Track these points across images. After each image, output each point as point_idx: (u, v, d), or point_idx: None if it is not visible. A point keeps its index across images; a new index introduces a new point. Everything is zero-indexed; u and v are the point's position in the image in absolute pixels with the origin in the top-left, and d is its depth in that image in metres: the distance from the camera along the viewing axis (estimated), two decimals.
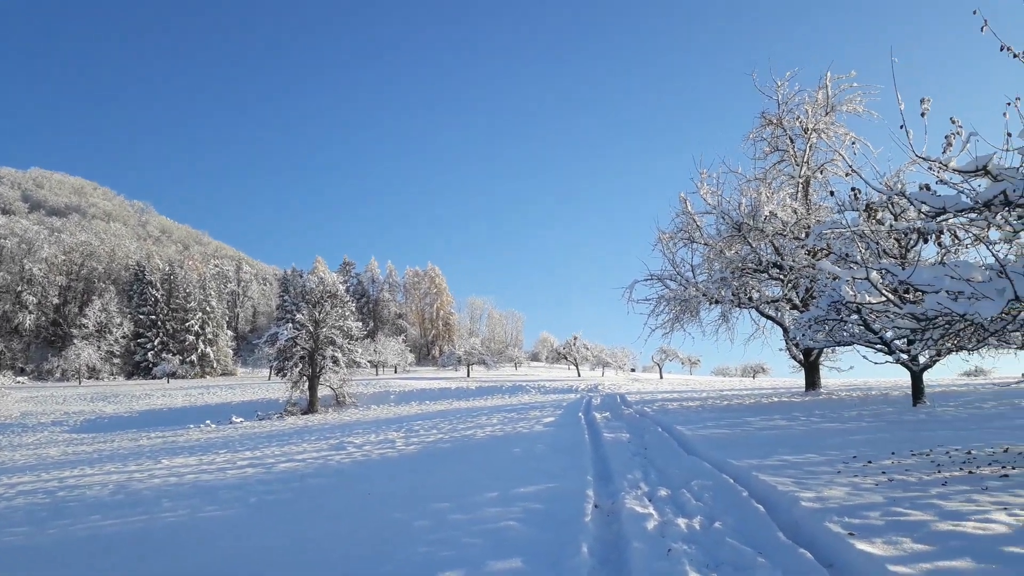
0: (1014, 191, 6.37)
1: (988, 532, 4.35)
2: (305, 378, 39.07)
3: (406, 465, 10.83)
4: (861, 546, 4.23)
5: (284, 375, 39.87)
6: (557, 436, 13.12)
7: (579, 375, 65.28)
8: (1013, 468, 6.62)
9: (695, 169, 28.06)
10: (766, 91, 24.28)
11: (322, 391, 40.12)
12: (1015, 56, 6.43)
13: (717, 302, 22.12)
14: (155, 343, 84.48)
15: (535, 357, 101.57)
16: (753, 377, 70.01)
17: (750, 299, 22.22)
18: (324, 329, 39.71)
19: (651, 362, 67.50)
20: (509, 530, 5.54)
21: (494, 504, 6.69)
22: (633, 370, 75.54)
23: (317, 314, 40.20)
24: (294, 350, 38.89)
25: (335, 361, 39.68)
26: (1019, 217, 6.74)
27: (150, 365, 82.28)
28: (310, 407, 38.64)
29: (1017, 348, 11.39)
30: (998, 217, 7.21)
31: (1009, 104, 6.71)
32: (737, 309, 23.13)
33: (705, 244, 22.56)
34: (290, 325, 39.84)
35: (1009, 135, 6.81)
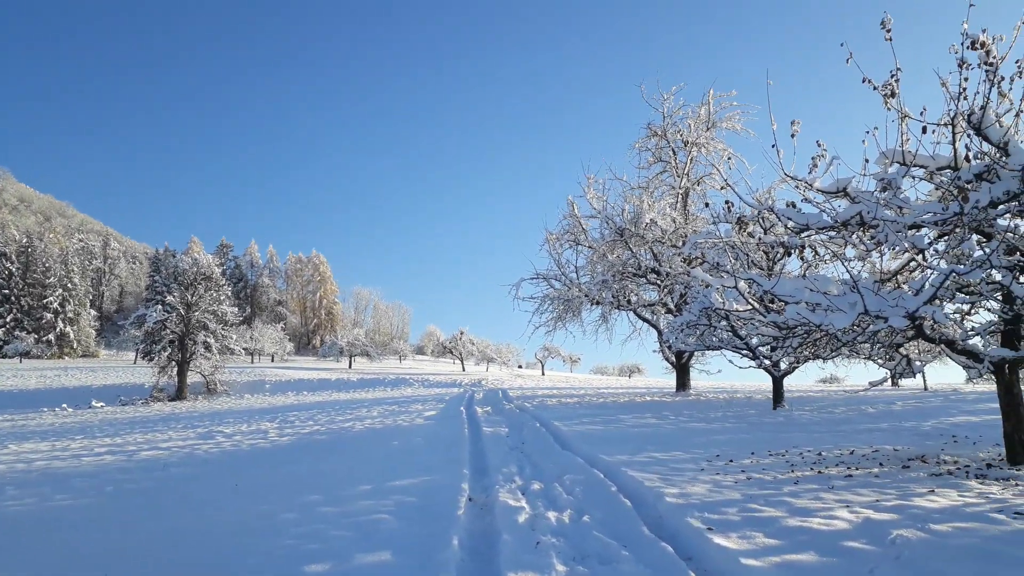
0: (868, 213, 6.89)
1: (831, 528, 4.70)
2: (174, 363, 37.10)
3: (278, 457, 10.50)
4: (718, 540, 4.47)
5: (151, 359, 37.72)
6: (437, 430, 13.10)
7: (464, 370, 65.45)
8: (856, 469, 7.18)
9: (583, 174, 28.73)
10: (653, 103, 25.24)
11: (192, 377, 38.24)
12: (875, 88, 6.95)
13: (598, 303, 22.78)
14: (7, 320, 77.57)
15: (421, 351, 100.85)
16: (629, 376, 72.42)
17: (629, 302, 23.02)
18: (197, 313, 37.84)
19: (534, 359, 68.61)
20: (380, 523, 5.48)
21: (367, 497, 6.60)
22: (521, 367, 76.54)
23: (190, 297, 38.25)
24: (163, 333, 36.82)
25: (207, 347, 37.91)
26: (872, 237, 7.30)
27: (1, 343, 75.64)
28: (178, 394, 36.73)
29: (865, 358, 12.35)
30: (854, 236, 7.80)
31: (868, 132, 7.25)
32: (616, 311, 23.90)
33: (590, 247, 23.18)
34: (160, 307, 37.72)
35: (867, 161, 7.37)
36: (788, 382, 20.36)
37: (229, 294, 42.77)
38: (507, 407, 19.39)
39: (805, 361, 14.19)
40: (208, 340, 37.91)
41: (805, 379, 44.78)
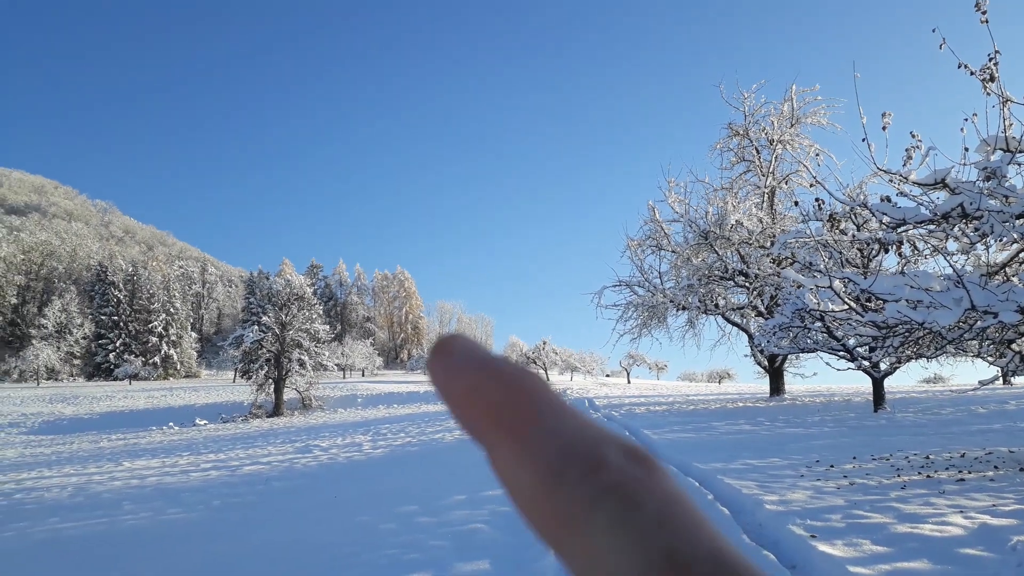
0: (971, 204, 6.58)
1: (944, 534, 4.49)
2: (271, 380, 38.59)
3: (373, 468, 10.79)
4: (823, 548, 4.34)
5: (249, 378, 39.31)
6: None
7: (548, 379, 65.38)
8: (969, 472, 6.82)
9: (663, 177, 28.45)
10: (733, 103, 24.74)
11: (288, 394, 39.68)
12: (971, 73, 6.65)
13: (684, 308, 22.43)
14: (117, 344, 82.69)
15: None
16: (719, 382, 70.78)
17: (716, 306, 22.55)
18: (291, 332, 39.28)
19: (619, 367, 67.96)
20: (476, 532, 5.57)
21: (462, 507, 6.71)
22: (608, 375, 76.00)
23: (284, 316, 39.77)
24: (260, 352, 38.39)
25: (301, 364, 39.26)
26: (975, 229, 6.96)
27: (111, 366, 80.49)
28: (276, 410, 38.18)
29: (973, 356, 11.71)
30: (955, 229, 7.45)
31: (967, 120, 6.94)
32: (703, 315, 23.47)
33: (673, 251, 22.86)
34: (256, 327, 39.32)
35: (967, 149, 7.04)
36: (889, 383, 19.41)
37: (320, 312, 44.17)
38: (595, 416, 19.31)
39: (907, 361, 13.55)
40: (302, 357, 39.26)
41: (907, 380, 42.66)
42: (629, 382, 62.86)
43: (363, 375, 77.99)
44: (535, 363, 72.25)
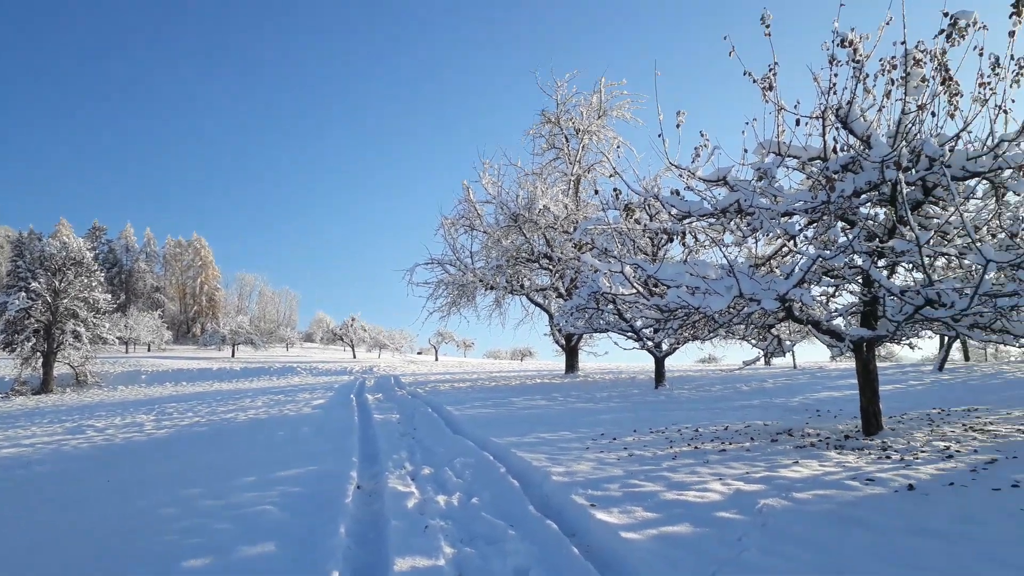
0: (745, 201, 7.23)
1: (705, 500, 4.92)
2: (39, 354, 34.60)
3: (156, 450, 9.98)
4: (600, 516, 4.59)
5: (12, 350, 34.97)
6: (325, 418, 12.81)
7: (355, 357, 64.32)
8: (730, 443, 7.56)
9: (478, 159, 28.70)
10: (547, 90, 25.53)
11: (60, 369, 35.77)
12: (754, 81, 7.27)
13: (492, 288, 22.92)
14: None
15: (309, 338, 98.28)
16: (521, 360, 73.42)
17: (522, 286, 23.27)
18: (65, 300, 35.44)
19: (428, 344, 68.33)
20: (265, 514, 5.29)
21: (251, 489, 6.35)
22: (420, 353, 76.01)
23: (57, 283, 35.76)
24: (27, 322, 34.24)
25: (76, 336, 35.58)
26: (748, 224, 7.67)
27: None
28: (44, 386, 34.29)
29: (740, 339, 13.00)
30: (732, 223, 8.17)
31: (748, 124, 7.60)
32: (510, 295, 24.13)
33: (484, 232, 23.23)
34: (23, 294, 34.98)
35: (746, 151, 7.72)
36: (669, 362, 21.19)
37: (102, 280, 40.13)
38: (399, 393, 19.21)
39: (685, 342, 14.78)
40: (78, 329, 35.59)
41: (685, 359, 47.03)
42: (437, 359, 63.38)
43: (149, 350, 72.05)
44: (342, 339, 70.72)
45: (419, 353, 75.87)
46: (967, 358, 28.19)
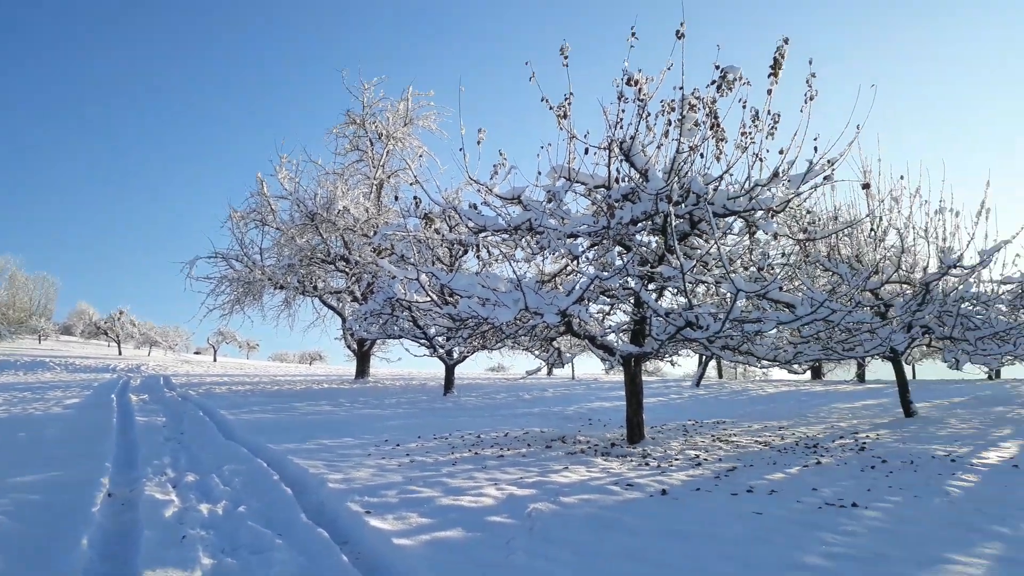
0: (536, 220, 7.62)
1: (479, 504, 5.09)
2: None
3: None
4: (374, 522, 4.59)
5: None
6: (79, 419, 11.55)
7: (120, 353, 58.55)
8: (508, 450, 7.88)
9: (276, 152, 27.55)
10: (354, 91, 25.13)
11: None
12: (550, 108, 7.70)
13: (282, 287, 22.03)
14: None
15: (68, 330, 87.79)
16: (310, 364, 71.02)
17: (315, 288, 22.60)
18: None
19: (206, 344, 63.90)
20: None
21: None
22: (197, 352, 70.71)
23: None
24: None
25: None
26: (538, 242, 8.09)
27: None
28: None
29: (525, 349, 13.60)
30: (523, 240, 8.56)
31: (543, 147, 8.02)
32: (301, 296, 23.30)
33: (277, 228, 22.29)
34: None
35: (539, 173, 8.14)
36: (460, 370, 21.65)
37: None
38: (168, 395, 17.78)
39: (475, 351, 15.21)
40: None
41: (476, 368, 48.07)
42: (215, 360, 59.48)
43: None
44: (107, 334, 64.19)
45: (196, 353, 70.77)
46: (720, 375, 31.58)
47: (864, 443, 8.35)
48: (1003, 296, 12.09)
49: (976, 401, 14.38)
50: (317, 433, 9.36)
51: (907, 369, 29.37)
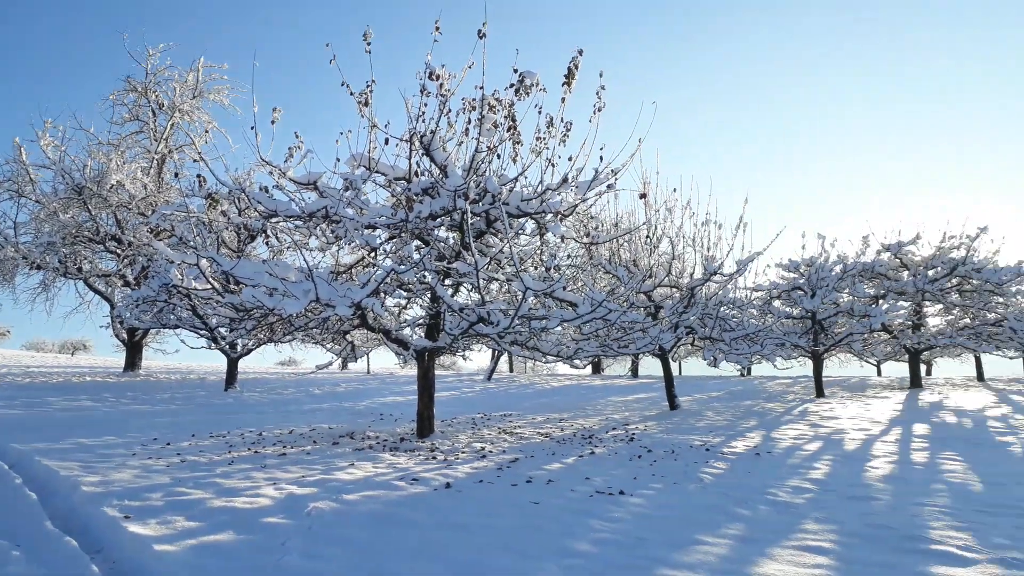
0: (333, 208, 7.38)
1: (255, 505, 4.81)
2: None
3: None
4: (134, 528, 4.18)
5: None
6: None
7: None
8: (292, 447, 7.56)
9: (38, 115, 24.43)
10: (136, 56, 22.90)
11: None
12: (351, 94, 7.49)
13: (40, 268, 19.55)
14: None
15: None
16: (72, 354, 63.77)
17: (79, 269, 20.27)
18: None
19: None
20: None
21: None
22: None
23: None
24: None
25: None
26: (333, 231, 7.84)
27: None
28: None
29: (316, 343, 13.18)
30: (318, 228, 8.26)
31: (343, 134, 7.79)
32: (62, 278, 20.82)
33: (37, 201, 19.71)
34: None
35: (339, 160, 7.89)
36: (246, 364, 20.51)
37: None
38: None
39: (262, 343, 14.47)
40: None
41: (265, 361, 45.92)
42: None
43: None
44: None
45: None
46: (512, 370, 32.69)
47: (633, 434, 9.02)
48: (754, 301, 13.62)
49: (730, 395, 16.10)
50: (74, 431, 8.41)
51: (674, 365, 32.28)
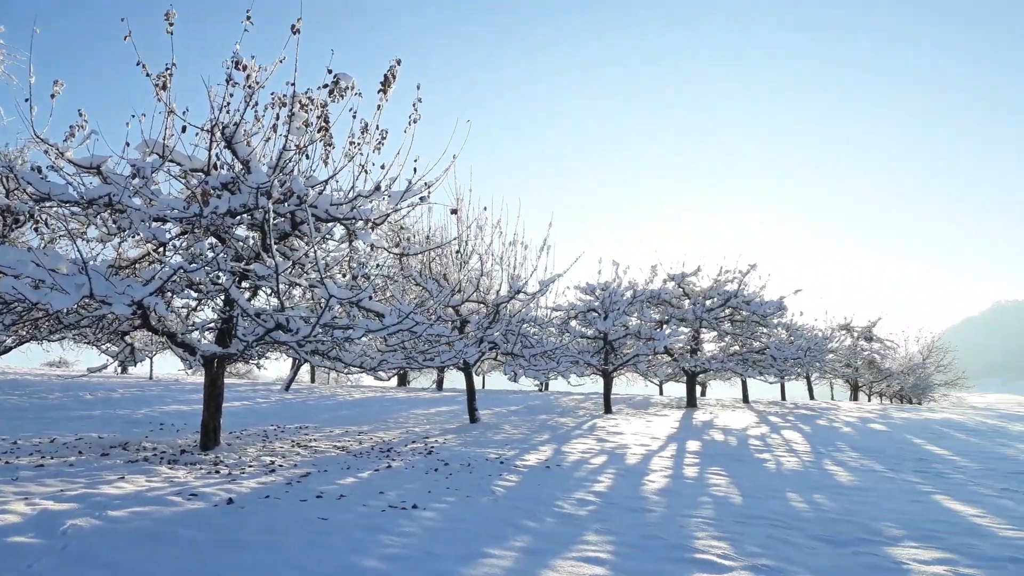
0: (117, 196, 6.74)
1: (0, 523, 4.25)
2: None
3: None
4: None
5: None
6: None
7: None
8: (53, 458, 6.76)
9: None
10: None
11: None
12: (147, 75, 6.91)
13: None
14: None
15: None
16: None
17: None
18: None
19: None
20: None
21: None
22: None
23: None
24: None
25: None
26: (116, 222, 7.17)
27: None
28: None
29: (90, 343, 11.92)
30: (99, 217, 7.52)
31: (134, 117, 7.15)
32: None
33: None
34: None
35: (128, 144, 7.23)
36: (6, 363, 17.97)
37: None
38: None
39: (24, 341, 12.84)
40: None
41: (29, 361, 40.65)
42: None
43: None
44: None
45: None
46: (313, 380, 31.62)
47: (432, 447, 9.06)
48: (554, 320, 14.23)
49: (528, 409, 16.67)
50: None
51: (477, 379, 32.95)
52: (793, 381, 25.90)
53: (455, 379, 37.78)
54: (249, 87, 6.92)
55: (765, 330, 20.02)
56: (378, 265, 9.86)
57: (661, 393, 32.39)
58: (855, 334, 31.84)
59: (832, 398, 38.74)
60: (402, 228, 10.52)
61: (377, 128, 7.36)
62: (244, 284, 8.05)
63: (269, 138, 7.52)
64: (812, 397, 31.70)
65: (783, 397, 29.50)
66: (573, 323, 17.35)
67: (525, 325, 12.41)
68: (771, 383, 22.72)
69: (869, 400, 36.70)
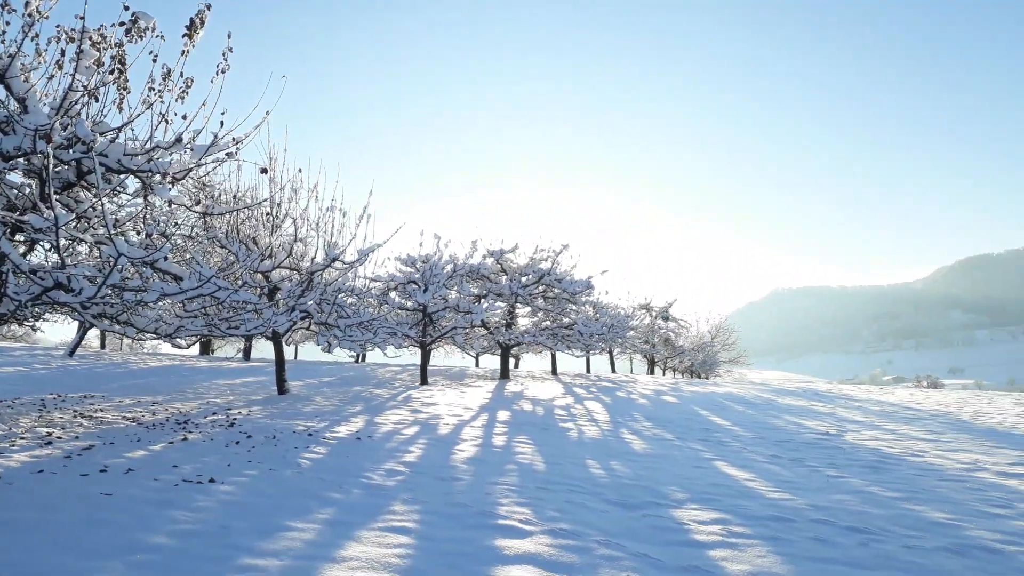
0: None
1: None
2: None
3: None
4: None
5: None
6: None
7: None
8: None
9: None
10: None
11: None
12: None
13: None
14: None
15: None
16: None
17: None
18: None
19: None
20: None
21: None
22: None
23: None
24: None
25: None
26: None
27: None
28: None
29: None
30: None
31: None
32: None
33: None
34: None
35: None
36: None
37: None
38: None
39: None
40: None
41: None
42: None
43: None
44: None
45: None
46: (103, 346, 28.93)
47: (235, 419, 8.61)
48: (373, 291, 13.99)
49: (341, 381, 16.32)
50: None
51: (288, 350, 31.87)
52: (597, 355, 27.50)
53: (265, 349, 36.21)
54: (30, 15, 6.08)
55: (574, 307, 21.01)
56: (177, 224, 9.11)
57: (477, 365, 33.05)
58: (653, 313, 34.34)
59: (631, 372, 41.57)
60: (205, 186, 9.80)
61: (182, 76, 6.76)
62: (18, 237, 7.14)
63: (53, 75, 6.65)
64: (614, 370, 33.83)
65: (588, 370, 31.18)
66: (393, 295, 17.17)
67: (342, 295, 12.07)
68: (577, 357, 23.93)
69: (664, 374, 39.83)
